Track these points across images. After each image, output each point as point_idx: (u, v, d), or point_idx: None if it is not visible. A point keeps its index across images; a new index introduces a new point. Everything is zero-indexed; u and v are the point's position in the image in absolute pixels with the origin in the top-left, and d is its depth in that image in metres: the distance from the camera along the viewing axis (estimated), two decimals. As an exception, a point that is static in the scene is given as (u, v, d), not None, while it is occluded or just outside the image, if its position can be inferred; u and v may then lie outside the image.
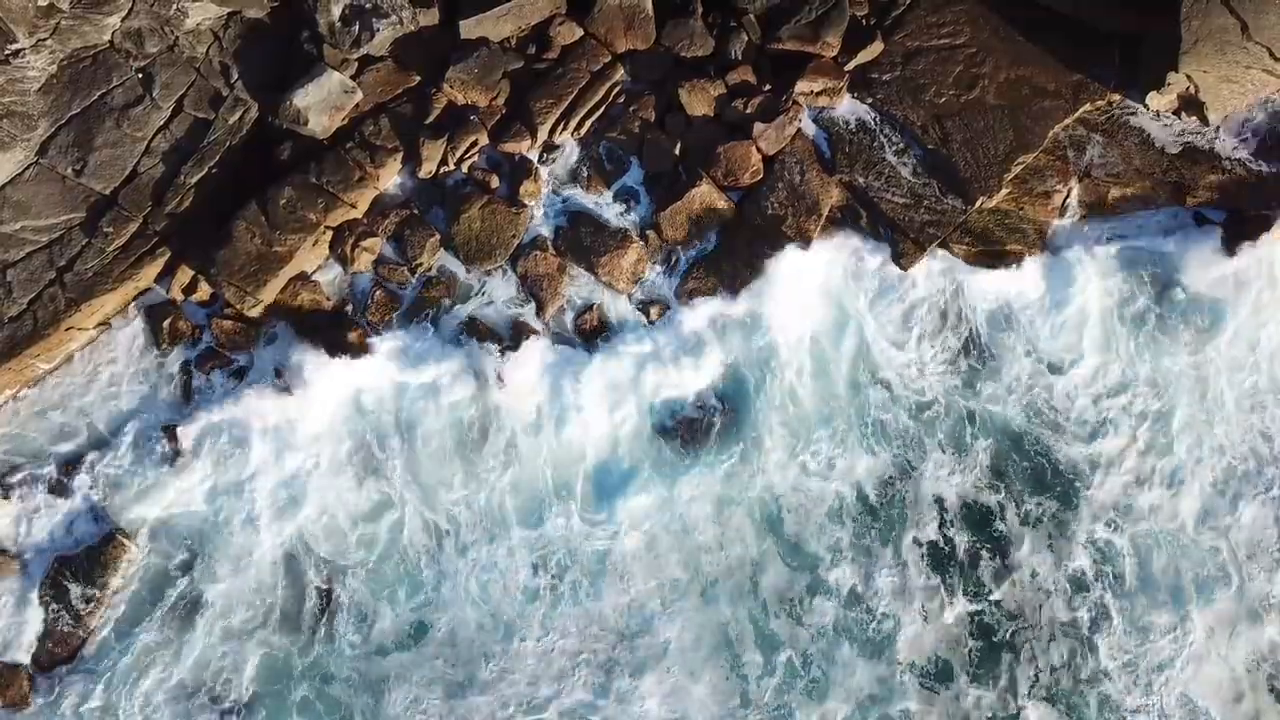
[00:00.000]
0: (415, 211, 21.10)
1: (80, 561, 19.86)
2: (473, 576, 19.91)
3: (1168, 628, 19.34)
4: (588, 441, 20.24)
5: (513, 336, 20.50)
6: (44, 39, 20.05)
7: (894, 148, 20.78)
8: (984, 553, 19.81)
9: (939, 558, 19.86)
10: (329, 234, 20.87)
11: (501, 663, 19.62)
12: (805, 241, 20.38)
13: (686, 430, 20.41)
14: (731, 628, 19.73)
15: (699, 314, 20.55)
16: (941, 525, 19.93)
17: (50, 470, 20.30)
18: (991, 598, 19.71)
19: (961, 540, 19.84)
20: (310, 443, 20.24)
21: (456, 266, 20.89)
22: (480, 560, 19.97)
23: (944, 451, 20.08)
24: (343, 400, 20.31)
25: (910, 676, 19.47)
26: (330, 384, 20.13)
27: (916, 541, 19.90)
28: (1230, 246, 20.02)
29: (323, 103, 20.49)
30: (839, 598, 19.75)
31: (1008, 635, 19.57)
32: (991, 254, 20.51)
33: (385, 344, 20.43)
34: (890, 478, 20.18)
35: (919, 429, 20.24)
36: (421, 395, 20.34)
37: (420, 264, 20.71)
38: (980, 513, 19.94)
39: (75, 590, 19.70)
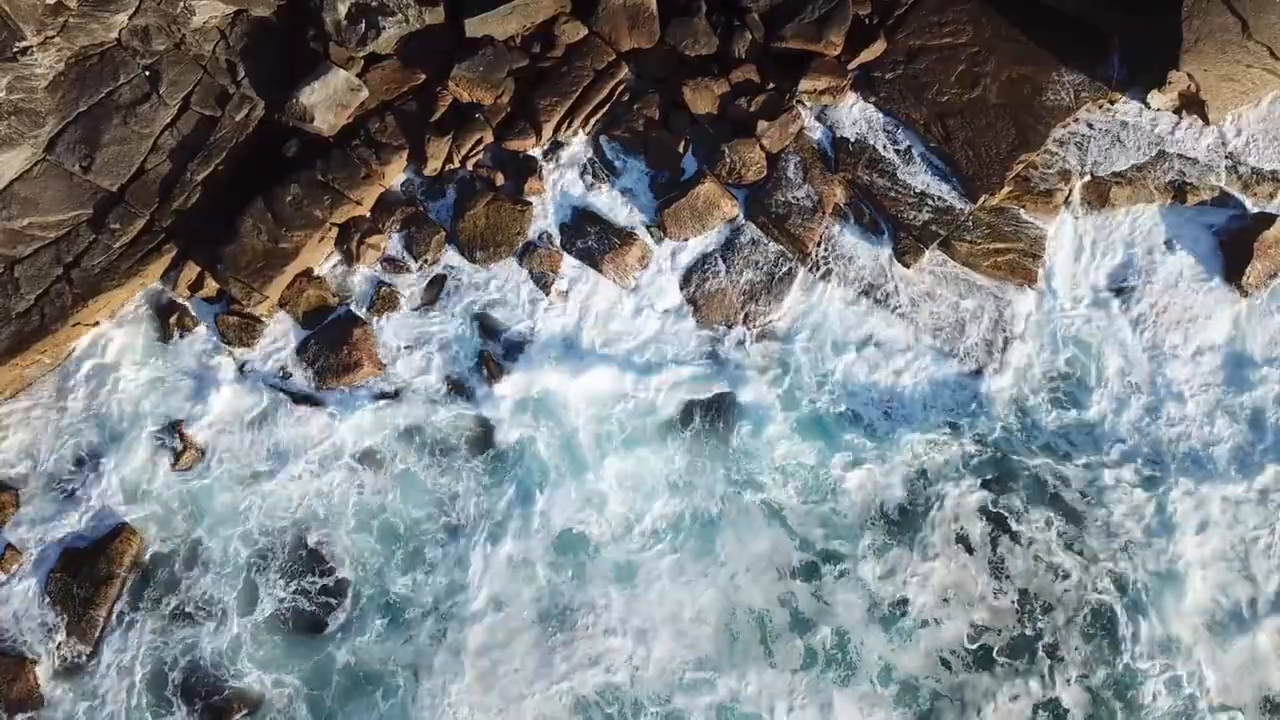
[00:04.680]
0: (421, 209, 21.22)
1: (88, 555, 19.92)
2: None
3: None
4: None
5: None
6: (52, 37, 20.16)
7: (896, 146, 20.90)
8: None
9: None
10: (335, 231, 20.99)
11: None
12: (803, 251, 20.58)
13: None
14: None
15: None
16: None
17: (59, 464, 20.41)
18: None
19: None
20: None
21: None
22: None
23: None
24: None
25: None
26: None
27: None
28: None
29: (329, 100, 20.61)
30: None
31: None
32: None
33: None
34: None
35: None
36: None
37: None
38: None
39: (82, 583, 19.76)
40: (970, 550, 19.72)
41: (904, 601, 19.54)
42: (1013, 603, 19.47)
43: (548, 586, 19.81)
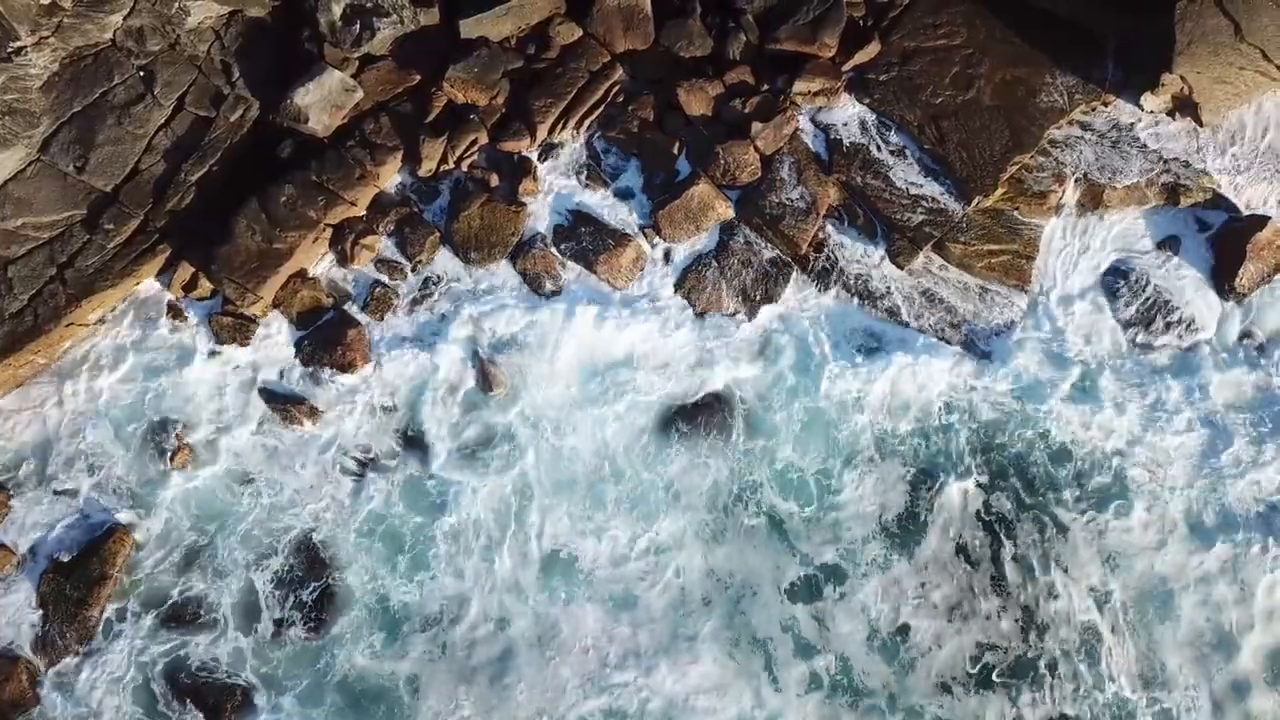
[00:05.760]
0: (415, 209, 21.23)
1: (81, 555, 19.87)
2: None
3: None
4: None
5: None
6: (46, 37, 20.14)
7: (890, 148, 20.94)
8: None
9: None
10: (329, 231, 21.00)
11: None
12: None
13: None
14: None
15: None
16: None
17: (53, 464, 20.37)
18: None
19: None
20: None
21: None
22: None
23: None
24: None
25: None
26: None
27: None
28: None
29: (323, 101, 20.61)
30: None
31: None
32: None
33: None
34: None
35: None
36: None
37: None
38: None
39: (76, 584, 19.71)
40: (971, 563, 19.71)
41: (906, 627, 19.53)
42: (1015, 621, 19.45)
43: (548, 604, 19.74)
